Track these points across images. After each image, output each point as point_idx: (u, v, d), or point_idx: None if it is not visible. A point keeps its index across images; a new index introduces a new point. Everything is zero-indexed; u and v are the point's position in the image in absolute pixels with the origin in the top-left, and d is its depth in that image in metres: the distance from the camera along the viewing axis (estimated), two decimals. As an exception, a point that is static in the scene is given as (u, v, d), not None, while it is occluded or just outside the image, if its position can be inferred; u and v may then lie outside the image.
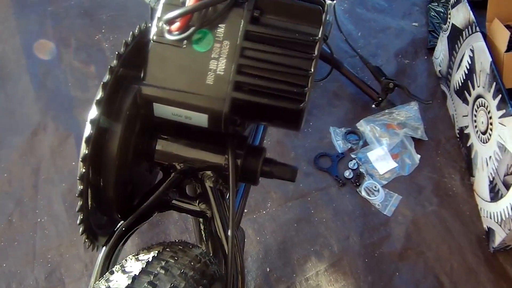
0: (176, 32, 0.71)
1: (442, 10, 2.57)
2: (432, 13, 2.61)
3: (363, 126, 2.19)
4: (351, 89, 2.32)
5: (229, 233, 0.79)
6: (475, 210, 2.00)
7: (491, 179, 1.86)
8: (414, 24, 2.62)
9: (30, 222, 2.00)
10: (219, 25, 0.72)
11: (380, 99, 2.22)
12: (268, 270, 1.86)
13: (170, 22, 0.71)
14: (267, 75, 0.72)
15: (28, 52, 2.48)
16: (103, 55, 2.48)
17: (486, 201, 1.91)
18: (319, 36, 0.71)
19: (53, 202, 2.04)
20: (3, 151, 2.16)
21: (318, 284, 1.84)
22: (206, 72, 0.72)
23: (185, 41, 0.72)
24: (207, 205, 0.85)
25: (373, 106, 2.24)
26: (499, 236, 1.82)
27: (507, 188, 1.74)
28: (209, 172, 0.83)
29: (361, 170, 2.08)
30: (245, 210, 1.90)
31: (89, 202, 0.75)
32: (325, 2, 0.72)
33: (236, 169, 0.80)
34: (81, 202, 0.72)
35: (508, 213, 1.72)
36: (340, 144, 2.15)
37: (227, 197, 0.85)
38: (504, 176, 1.76)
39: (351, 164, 2.09)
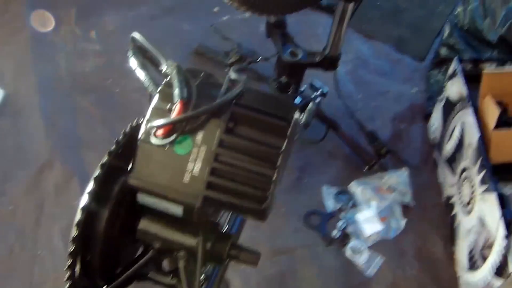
0: (160, 137, 0.82)
1: (441, 79, 2.63)
2: (432, 80, 2.66)
3: (355, 187, 2.27)
4: (345, 150, 2.39)
5: (196, 310, 0.90)
6: (454, 277, 2.06)
7: (471, 250, 1.92)
8: (413, 90, 2.69)
9: (29, 254, 2.07)
10: (198, 132, 0.83)
11: (373, 163, 2.30)
12: (250, 323, 1.94)
13: (156, 127, 0.82)
14: (236, 179, 0.82)
15: (41, 89, 2.57)
16: (112, 99, 2.57)
17: (465, 270, 1.97)
18: (283, 148, 0.82)
19: (53, 237, 2.11)
20: (10, 184, 2.24)
21: (297, 338, 1.92)
22: (184, 171, 0.83)
23: (168, 144, 0.83)
24: (179, 281, 0.96)
25: (365, 169, 2.32)
26: (475, 306, 1.87)
27: (484, 260, 1.80)
28: (182, 253, 0.94)
29: (349, 230, 2.15)
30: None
31: (78, 269, 0.85)
32: (292, 118, 0.83)
33: (204, 251, 0.91)
34: (69, 272, 0.83)
35: (483, 285, 1.79)
36: (330, 204, 2.23)
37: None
38: (482, 248, 1.83)
39: (339, 224, 2.16)
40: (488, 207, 1.80)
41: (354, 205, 2.24)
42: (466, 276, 1.96)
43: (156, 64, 0.94)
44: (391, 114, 2.57)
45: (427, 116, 2.55)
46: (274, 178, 0.81)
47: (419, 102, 2.63)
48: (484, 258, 1.81)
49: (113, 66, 2.65)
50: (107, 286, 0.93)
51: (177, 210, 0.85)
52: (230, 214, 1.06)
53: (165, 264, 0.98)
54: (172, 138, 0.81)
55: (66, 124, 2.46)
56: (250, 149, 0.82)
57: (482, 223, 1.83)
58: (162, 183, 0.83)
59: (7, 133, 2.41)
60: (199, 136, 0.82)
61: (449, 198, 2.18)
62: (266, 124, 0.83)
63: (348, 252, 2.10)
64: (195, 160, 0.82)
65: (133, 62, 0.94)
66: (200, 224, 0.91)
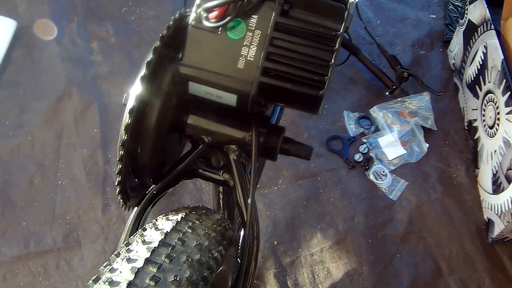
0: (213, 20, 0.79)
1: (460, 5, 2.61)
2: (450, 6, 2.64)
3: (376, 112, 2.26)
4: (366, 75, 2.38)
5: (249, 201, 0.88)
6: (477, 201, 2.06)
7: (495, 172, 1.92)
8: (432, 16, 2.66)
9: (50, 184, 2.07)
10: (252, 16, 0.80)
11: (394, 87, 2.28)
12: (275, 243, 1.94)
13: (208, 10, 0.79)
14: (292, 63, 0.80)
15: (56, 20, 2.54)
16: (128, 27, 2.54)
17: (488, 193, 1.97)
18: (341, 31, 0.79)
19: (74, 167, 2.11)
20: (28, 116, 2.23)
21: (322, 259, 1.92)
22: (238, 57, 0.80)
23: (220, 28, 0.80)
24: (230, 176, 0.94)
25: (387, 93, 2.30)
26: (498, 228, 1.88)
27: (509, 182, 1.80)
28: (233, 146, 0.92)
29: (371, 154, 2.15)
30: (257, 186, 1.98)
31: (127, 166, 0.84)
32: (348, 0, 0.80)
33: (258, 145, 0.89)
34: (120, 166, 0.80)
35: (508, 206, 1.78)
36: (352, 128, 2.22)
37: (248, 169, 0.94)
38: (507, 170, 1.81)
39: (361, 148, 2.16)
40: (513, 128, 1.78)
41: (376, 130, 2.22)
42: (490, 199, 1.95)
43: None
44: (410, 40, 2.55)
45: (445, 43, 2.54)
46: (331, 62, 0.79)
47: (437, 28, 2.61)
48: (509, 180, 1.80)
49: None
50: (155, 185, 0.91)
51: (230, 99, 0.83)
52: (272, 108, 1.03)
53: (214, 161, 0.96)
54: (225, 21, 0.78)
55: (82, 53, 2.44)
56: (306, 32, 0.79)
57: (507, 144, 1.81)
58: (215, 70, 0.80)
59: (22, 65, 2.39)
60: (253, 19, 0.79)
61: (471, 122, 2.16)
62: (322, 6, 0.79)
63: (371, 175, 2.10)
64: (249, 45, 0.79)
65: None
66: (252, 116, 0.89)
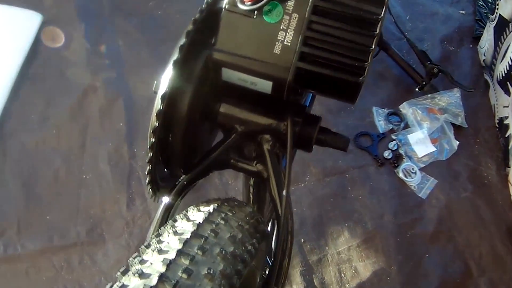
0: (249, 3, 0.76)
1: (491, 0, 2.57)
2: (480, 2, 2.60)
3: (406, 109, 2.22)
4: (395, 71, 2.34)
5: (284, 193, 0.85)
6: (508, 200, 2.03)
7: (527, 174, 1.88)
8: (461, 12, 2.62)
9: (75, 178, 2.06)
10: (289, -1, 0.77)
11: (424, 83, 2.24)
12: (302, 240, 1.92)
13: (243, -7, 0.76)
14: (331, 48, 0.76)
15: (82, 14, 2.54)
16: (155, 22, 2.52)
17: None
18: (382, 15, 0.75)
19: (99, 161, 2.10)
20: (54, 109, 2.22)
21: (350, 258, 1.89)
22: (274, 42, 0.77)
23: (256, 12, 0.77)
24: (264, 167, 0.90)
25: (417, 89, 2.26)
26: (529, 228, 1.84)
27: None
28: (267, 136, 0.88)
29: (400, 151, 2.11)
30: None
31: (157, 154, 0.81)
32: (389, -16, 0.77)
33: (293, 135, 0.86)
34: (151, 154, 0.77)
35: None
36: (381, 125, 2.19)
37: (282, 160, 0.91)
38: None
39: (391, 145, 2.13)
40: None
41: (406, 126, 2.18)
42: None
43: None
44: (439, 36, 2.51)
45: (475, 39, 2.50)
46: (372, 47, 0.75)
47: (467, 24, 2.57)
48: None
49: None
50: (185, 175, 0.88)
51: (265, 86, 0.79)
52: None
53: (247, 152, 0.92)
54: (262, 3, 0.75)
55: (108, 48, 2.43)
56: (346, 16, 0.75)
57: (540, 142, 1.78)
58: (249, 56, 0.77)
59: (47, 59, 2.37)
60: (291, 2, 0.76)
61: (502, 119, 2.12)
62: (363, -11, 0.76)
63: (400, 173, 2.06)
64: (286, 29, 0.76)
65: None
66: (288, 105, 0.86)
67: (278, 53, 0.77)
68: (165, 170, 0.88)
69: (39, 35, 2.42)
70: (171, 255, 0.65)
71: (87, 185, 2.05)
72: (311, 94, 1.03)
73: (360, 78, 0.77)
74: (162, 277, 0.61)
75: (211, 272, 0.65)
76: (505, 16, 2.12)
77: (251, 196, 1.12)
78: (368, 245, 1.92)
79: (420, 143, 2.13)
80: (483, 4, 2.58)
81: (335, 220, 1.97)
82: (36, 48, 2.39)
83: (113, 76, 2.32)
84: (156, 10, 2.56)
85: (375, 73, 2.35)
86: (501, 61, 2.14)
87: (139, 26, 2.50)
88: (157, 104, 0.74)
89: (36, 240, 1.92)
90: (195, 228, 0.71)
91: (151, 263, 0.65)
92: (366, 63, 0.76)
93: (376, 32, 0.76)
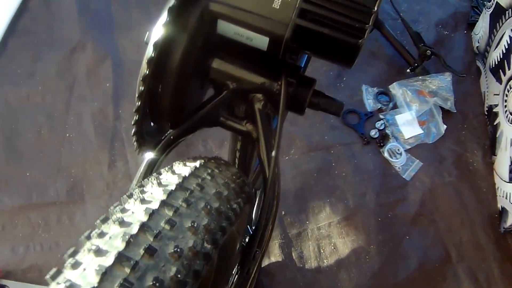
0: (249, -45, 0.73)
1: (488, -13, 2.56)
2: (477, -12, 2.58)
3: (396, 89, 2.20)
4: (388, 51, 2.32)
5: (273, 154, 0.83)
6: (492, 188, 2.02)
7: (513, 160, 1.88)
8: (458, -4, 2.60)
9: (58, 137, 2.04)
10: (293, -46, 0.74)
11: (416, 64, 2.22)
12: (283, 213, 1.90)
13: None
14: (332, 7, 0.74)
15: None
16: (147, -16, 2.48)
17: (504, 181, 1.92)
18: (387, -24, 0.73)
19: (83, 120, 2.07)
20: (41, 64, 2.19)
21: (329, 234, 1.88)
22: (274, -4, 0.74)
23: (257, -36, 0.74)
24: (254, 127, 0.88)
25: (408, 70, 2.24)
26: (512, 217, 1.84)
27: (528, 172, 1.76)
28: (259, 95, 0.86)
29: (387, 131, 2.10)
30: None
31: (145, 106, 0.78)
32: None
33: (287, 96, 0.83)
34: (139, 103, 0.75)
35: (525, 196, 1.75)
36: (370, 103, 2.17)
37: (273, 121, 0.89)
38: (526, 160, 1.78)
39: (378, 124, 2.11)
40: (536, 115, 1.74)
41: (394, 107, 2.17)
42: (506, 187, 1.91)
43: None
44: (434, 19, 2.49)
45: (470, 25, 2.48)
46: (375, 9, 0.73)
47: (463, 10, 2.55)
48: (528, 169, 1.76)
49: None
50: (172, 130, 0.86)
51: (262, 42, 0.77)
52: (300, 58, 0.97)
53: (237, 111, 0.90)
54: (263, -46, 0.73)
55: (99, 6, 2.39)
56: (350, -25, 0.73)
57: (528, 132, 1.77)
58: (248, 9, 0.74)
59: (38, 14, 2.35)
60: (294, -43, 0.74)
61: (492, 107, 2.11)
62: None
63: (385, 153, 2.05)
64: (287, -17, 0.74)
65: None
66: (283, 64, 0.83)
67: (278, 8, 0.74)
68: (152, 124, 0.86)
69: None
70: (154, 205, 0.63)
71: (70, 144, 2.03)
72: (306, 57, 1.01)
73: (360, 40, 0.75)
74: (143, 226, 0.60)
75: (195, 225, 0.63)
76: (502, 4, 2.10)
77: (236, 161, 1.10)
78: (348, 222, 1.91)
79: (408, 124, 2.11)
80: (481, -10, 2.56)
81: (317, 195, 1.95)
82: (26, 3, 2.35)
83: (102, 35, 2.28)
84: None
85: (367, 52, 2.33)
86: (494, 49, 2.13)
87: (132, -14, 2.45)
88: (149, 52, 0.72)
89: (14, 196, 1.90)
90: (180, 180, 0.69)
91: (133, 212, 0.63)
92: (367, 25, 0.74)
93: (379, -6, 0.73)
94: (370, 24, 0.74)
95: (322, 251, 1.86)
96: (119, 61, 2.20)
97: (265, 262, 1.82)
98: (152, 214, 0.61)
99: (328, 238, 1.88)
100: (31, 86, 2.13)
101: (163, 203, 0.64)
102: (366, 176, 2.01)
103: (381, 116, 2.15)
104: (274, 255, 1.83)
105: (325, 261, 1.84)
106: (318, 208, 1.93)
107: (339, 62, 0.81)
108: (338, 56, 0.80)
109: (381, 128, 2.11)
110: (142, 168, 0.84)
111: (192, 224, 0.63)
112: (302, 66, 0.95)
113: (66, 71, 2.18)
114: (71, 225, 1.87)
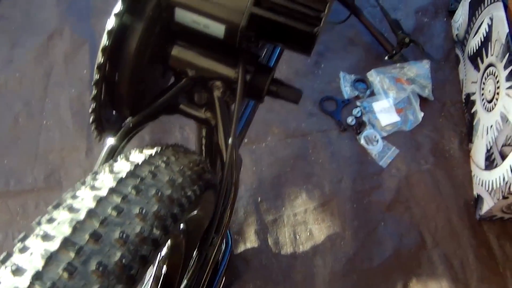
0: None
1: (468, -25, 2.56)
2: (458, -25, 2.58)
3: (373, 76, 2.21)
4: (366, 38, 2.32)
5: (230, 141, 0.83)
6: (468, 176, 2.03)
7: (489, 148, 1.88)
8: (438, -17, 2.60)
9: (35, 123, 2.03)
10: None
11: (394, 52, 2.22)
12: (259, 200, 1.91)
13: None
14: None
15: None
16: (127, -30, 2.46)
17: (481, 168, 1.93)
18: (342, -35, 0.74)
19: (61, 107, 2.07)
20: (18, 51, 2.18)
21: (305, 220, 1.89)
22: (230, -16, 0.75)
23: (213, -49, 0.74)
24: (212, 114, 0.89)
25: (386, 58, 2.24)
26: (487, 205, 1.85)
27: (503, 159, 1.76)
28: (218, 83, 0.86)
29: (364, 118, 2.11)
30: (245, 140, 1.95)
31: (103, 95, 0.79)
32: None
33: (244, 83, 0.84)
34: (95, 91, 0.75)
35: (500, 183, 1.75)
36: (347, 90, 2.17)
37: (232, 109, 0.89)
38: (502, 146, 1.78)
39: (355, 111, 2.12)
40: (512, 103, 1.74)
41: (372, 94, 2.18)
42: (481, 175, 1.92)
43: None
44: (414, 7, 2.49)
45: (450, 13, 2.48)
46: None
47: (443, -3, 2.54)
48: (503, 157, 1.76)
49: None
50: (133, 117, 0.86)
51: (218, 30, 0.77)
52: (265, 51, 0.98)
53: (197, 99, 0.90)
54: None
55: (77, -8, 2.37)
56: (304, -37, 0.74)
57: (504, 119, 1.77)
58: None
59: (15, 0, 2.32)
60: None
61: (469, 95, 2.12)
62: None
63: (362, 140, 2.06)
64: (242, -29, 0.74)
65: None
66: (241, 52, 0.84)
67: None
68: (113, 112, 0.86)
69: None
70: (103, 192, 0.64)
71: (47, 131, 2.02)
72: (278, 48, 1.02)
73: (315, 29, 0.75)
74: (90, 212, 0.60)
75: (143, 212, 0.64)
76: (480, -9, 2.11)
77: (203, 148, 1.11)
78: (324, 208, 1.92)
79: (385, 111, 2.12)
80: (461, -23, 2.57)
81: (293, 181, 1.96)
82: (4, -12, 2.34)
83: (80, 21, 2.28)
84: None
85: (346, 38, 2.33)
86: (473, 37, 2.14)
87: (111, -29, 2.44)
88: (104, 39, 0.72)
89: (-9, 183, 1.90)
90: (132, 168, 0.70)
91: (82, 199, 0.64)
92: (323, 13, 0.74)
93: (334, -17, 0.74)
94: (326, 12, 0.74)
95: (297, 237, 1.87)
96: (97, 47, 2.18)
97: (241, 248, 1.83)
98: (100, 200, 0.62)
99: (304, 224, 1.89)
100: (9, 72, 2.12)
101: (112, 190, 0.64)
102: (342, 163, 2.02)
103: (358, 104, 2.15)
104: (250, 241, 1.84)
105: (300, 247, 1.85)
106: (294, 194, 1.94)
107: (296, 50, 0.82)
108: (295, 45, 0.80)
109: (358, 115, 2.11)
110: (102, 155, 0.85)
111: (141, 210, 0.63)
112: (274, 58, 0.96)
113: (43, 58, 2.17)
114: (48, 212, 1.87)
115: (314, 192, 1.95)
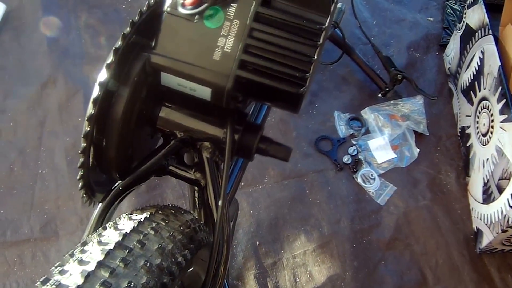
0: (190, 7, 0.74)
1: (459, 9, 2.57)
2: (448, 10, 2.60)
3: (367, 114, 2.21)
4: (359, 76, 2.33)
5: (220, 202, 0.83)
6: (467, 209, 2.02)
7: (486, 181, 1.87)
8: (429, 19, 2.61)
9: (31, 173, 2.03)
10: (231, 4, 0.74)
11: (387, 89, 2.23)
12: (257, 243, 1.90)
13: (185, -4, 0.74)
14: (272, 57, 0.74)
15: (44, 5, 2.49)
16: (118, 16, 2.49)
17: (479, 202, 1.93)
18: (326, 25, 0.74)
19: (55, 155, 2.06)
20: (12, 101, 2.18)
21: (305, 263, 1.88)
22: (214, 48, 0.74)
23: (197, 16, 0.74)
24: (202, 174, 0.88)
25: (379, 95, 2.25)
26: (487, 238, 1.84)
27: (500, 192, 1.75)
28: (207, 143, 0.86)
29: (360, 157, 2.10)
30: (242, 183, 1.94)
31: (91, 160, 0.78)
32: (336, -8, 0.75)
33: (233, 143, 0.83)
34: (82, 159, 0.75)
35: (498, 217, 1.74)
36: (342, 129, 2.17)
37: (222, 168, 0.89)
38: (499, 180, 1.77)
39: (350, 150, 2.11)
40: (507, 137, 1.74)
41: (367, 132, 2.18)
42: (480, 208, 1.91)
43: None
44: (406, 42, 2.50)
45: (442, 47, 2.50)
46: (314, 58, 0.73)
47: (434, 31, 2.57)
48: (500, 190, 1.75)
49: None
50: (122, 181, 0.86)
51: (204, 93, 0.77)
52: (253, 107, 0.98)
53: (187, 159, 0.90)
54: (202, 7, 0.73)
55: (70, 40, 2.39)
56: (289, 24, 0.73)
57: (500, 153, 1.77)
58: (189, 61, 0.75)
59: (9, 48, 2.34)
60: (232, 8, 0.74)
61: (464, 128, 2.12)
62: (307, -3, 0.74)
63: (359, 179, 2.05)
64: (227, 35, 0.74)
65: None
66: (228, 112, 0.83)
67: (218, 59, 0.75)
68: (102, 174, 0.86)
69: (1, 25, 2.38)
70: (91, 267, 0.63)
71: (43, 180, 2.01)
72: (266, 107, 1.02)
73: (302, 89, 0.75)
74: None
75: (132, 285, 0.63)
76: (472, 26, 2.11)
77: (196, 201, 1.10)
78: (324, 250, 1.91)
79: (381, 149, 2.12)
80: (452, 12, 2.58)
81: (291, 223, 1.95)
82: (-3, 38, 2.35)
83: (73, 69, 2.28)
84: (119, 4, 2.52)
85: (338, 77, 2.33)
86: (465, 70, 2.14)
87: (102, 19, 2.46)
88: (89, 108, 0.72)
89: (-12, 234, 1.89)
90: (120, 238, 0.69)
91: (70, 274, 0.63)
92: (308, 74, 0.74)
93: (319, 42, 0.74)
94: (311, 72, 0.74)
95: (298, 279, 1.85)
96: (90, 94, 2.19)
97: (241, 294, 1.82)
98: (88, 276, 0.61)
99: (303, 267, 1.87)
100: (3, 122, 2.12)
101: (100, 264, 0.64)
102: (340, 203, 2.01)
103: (354, 142, 2.15)
104: (250, 286, 1.82)
105: (301, 290, 1.84)
106: (293, 236, 1.93)
107: (285, 109, 0.82)
108: (282, 104, 0.80)
109: (354, 154, 2.11)
110: (91, 220, 0.84)
111: (129, 284, 0.62)
112: (262, 114, 0.96)
113: (37, 106, 2.17)
114: (45, 262, 1.86)
115: (312, 233, 1.93)
